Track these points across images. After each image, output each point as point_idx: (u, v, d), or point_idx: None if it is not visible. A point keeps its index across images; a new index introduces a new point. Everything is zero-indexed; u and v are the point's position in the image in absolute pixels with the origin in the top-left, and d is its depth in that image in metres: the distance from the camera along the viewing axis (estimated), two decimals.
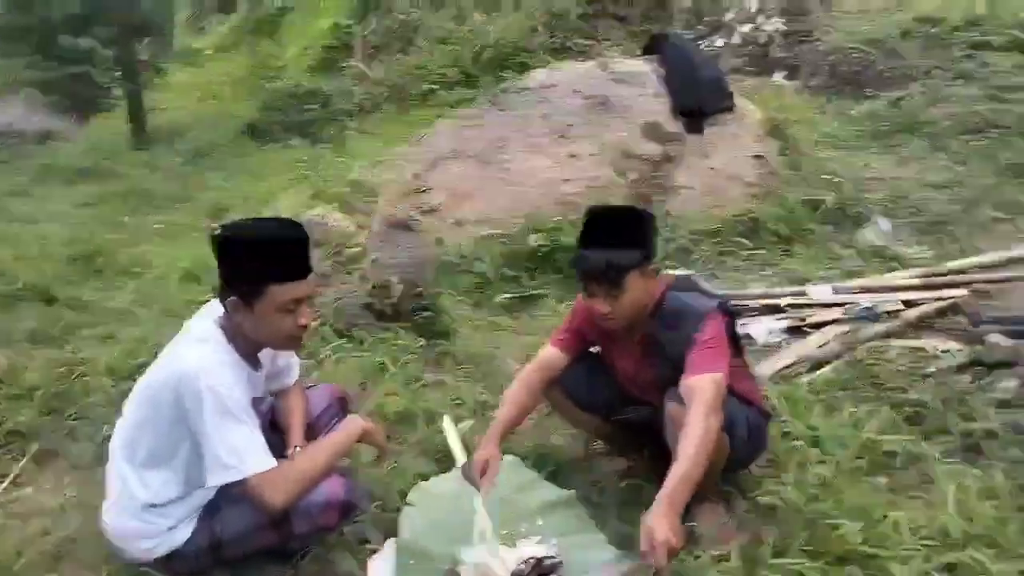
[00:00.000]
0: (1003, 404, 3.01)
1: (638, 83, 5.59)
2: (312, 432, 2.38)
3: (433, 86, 8.70)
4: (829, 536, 2.30)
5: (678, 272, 2.58)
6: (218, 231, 2.06)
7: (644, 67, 5.67)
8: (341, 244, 4.27)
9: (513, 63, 8.54)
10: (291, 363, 2.42)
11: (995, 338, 3.38)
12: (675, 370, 2.21)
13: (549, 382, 2.50)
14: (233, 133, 8.94)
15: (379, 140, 7.17)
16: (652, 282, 2.32)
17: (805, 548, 2.24)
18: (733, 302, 3.88)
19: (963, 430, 2.87)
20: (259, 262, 1.97)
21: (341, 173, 6.06)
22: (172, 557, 2.07)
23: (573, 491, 2.52)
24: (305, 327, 2.07)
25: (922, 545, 2.27)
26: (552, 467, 2.66)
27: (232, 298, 2.01)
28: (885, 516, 2.39)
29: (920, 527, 2.35)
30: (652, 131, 5.34)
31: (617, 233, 2.25)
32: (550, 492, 2.50)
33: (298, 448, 2.24)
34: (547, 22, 9.46)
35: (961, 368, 3.27)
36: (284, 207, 5.08)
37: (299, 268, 2.03)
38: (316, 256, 4.10)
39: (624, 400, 2.49)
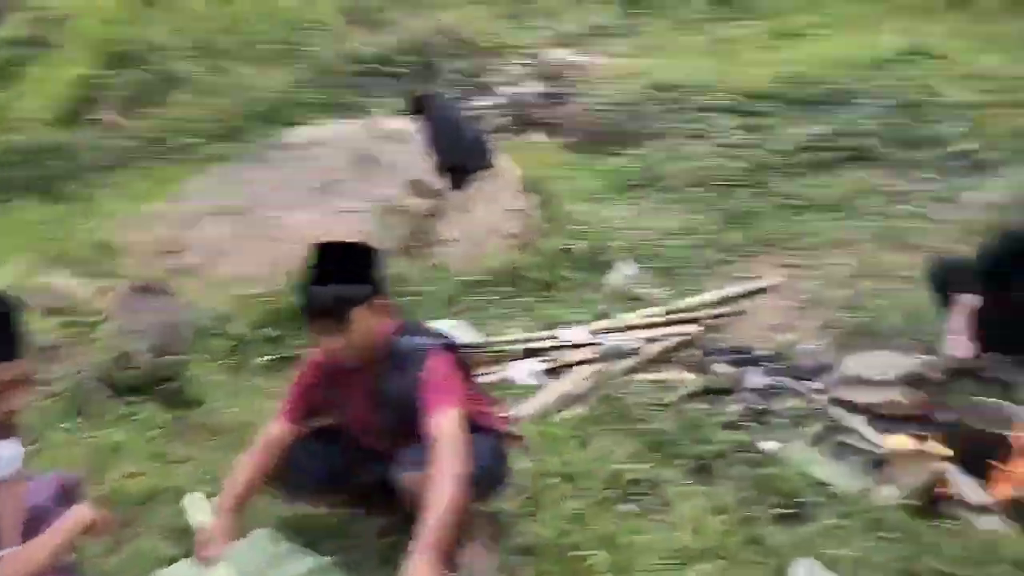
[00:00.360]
0: (729, 426, 3.35)
1: (404, 141, 5.70)
2: (34, 528, 2.15)
3: (194, 139, 8.33)
4: (580, 567, 2.43)
5: (408, 319, 2.59)
6: None
7: (410, 126, 5.80)
8: (81, 312, 3.94)
9: (280, 118, 8.40)
10: (7, 452, 2.18)
11: (720, 367, 3.78)
12: (405, 415, 2.21)
13: (279, 458, 2.41)
14: None
15: (132, 197, 6.72)
16: (382, 319, 2.30)
17: None
18: (495, 347, 4.11)
19: (696, 453, 3.15)
20: None
21: (85, 234, 5.60)
22: None
23: (331, 557, 2.46)
24: (10, 413, 1.88)
25: (663, 565, 2.46)
26: (307, 535, 2.57)
27: None
28: (630, 541, 2.57)
29: (661, 548, 2.55)
30: (417, 187, 5.46)
31: (343, 267, 2.23)
32: (308, 561, 2.40)
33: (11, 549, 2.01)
34: (317, 77, 9.44)
35: (694, 396, 3.59)
36: (11, 275, 4.59)
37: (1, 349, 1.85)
38: (49, 325, 3.79)
39: (361, 455, 2.43)
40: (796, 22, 8.89)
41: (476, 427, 2.31)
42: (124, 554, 2.40)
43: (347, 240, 2.39)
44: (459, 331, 4.42)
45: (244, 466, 2.38)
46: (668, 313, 4.39)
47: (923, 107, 6.26)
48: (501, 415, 2.59)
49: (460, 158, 5.63)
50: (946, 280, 3.58)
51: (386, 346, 2.31)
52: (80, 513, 2.00)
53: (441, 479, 2.02)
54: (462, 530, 2.17)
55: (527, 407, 3.56)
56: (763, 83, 6.95)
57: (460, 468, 2.07)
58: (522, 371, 3.92)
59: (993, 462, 2.80)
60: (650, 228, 5.67)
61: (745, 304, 4.54)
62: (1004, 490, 2.72)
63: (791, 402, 3.48)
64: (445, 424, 2.12)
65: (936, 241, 4.97)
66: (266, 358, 4.05)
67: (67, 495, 2.28)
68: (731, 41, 8.51)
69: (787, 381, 3.63)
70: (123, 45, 9.63)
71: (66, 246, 5.25)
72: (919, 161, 5.91)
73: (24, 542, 2.03)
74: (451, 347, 2.39)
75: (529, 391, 3.76)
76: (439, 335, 2.46)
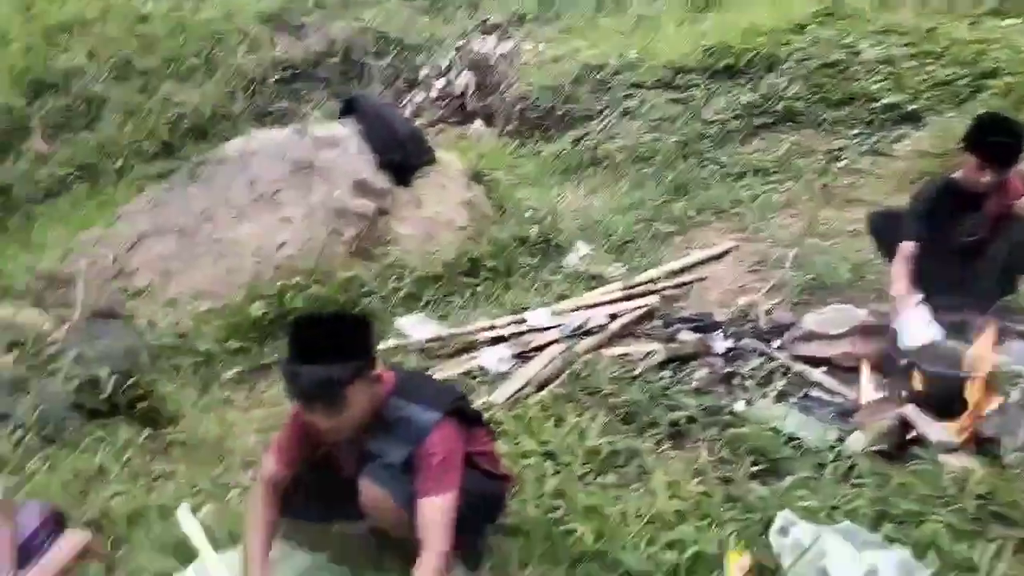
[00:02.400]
0: (698, 391, 3.45)
1: (340, 145, 5.67)
2: (25, 556, 2.14)
3: (126, 162, 8.16)
4: (565, 541, 2.50)
5: (398, 370, 2.50)
6: None
7: (344, 129, 5.77)
8: (37, 344, 3.86)
9: (214, 131, 8.27)
10: None
11: (684, 335, 3.88)
12: (391, 475, 2.18)
13: (281, 492, 2.38)
14: None
15: (71, 225, 6.57)
16: (376, 388, 2.21)
17: (546, 557, 2.41)
18: (462, 337, 4.15)
19: (669, 420, 3.24)
20: None
21: (30, 266, 5.47)
22: None
23: (323, 554, 2.51)
24: None
25: (648, 531, 2.54)
26: (298, 538, 2.59)
27: None
28: (613, 512, 2.65)
29: (643, 515, 2.63)
30: (362, 188, 5.44)
31: (332, 344, 2.09)
32: (302, 559, 2.48)
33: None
34: (245, 87, 9.30)
35: (662, 365, 3.68)
36: None
37: None
38: (8, 360, 3.71)
39: (352, 495, 2.29)
40: None
41: (479, 470, 2.35)
42: (123, 573, 2.38)
43: (331, 312, 2.24)
44: (423, 326, 4.47)
45: (257, 512, 2.31)
46: (626, 288, 4.48)
47: (845, 65, 6.45)
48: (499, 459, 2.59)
49: (400, 155, 5.63)
50: (886, 230, 3.74)
51: (379, 415, 2.23)
52: (74, 539, 2.00)
53: (426, 568, 2.03)
54: None
55: (500, 393, 3.61)
56: (688, 57, 7.07)
57: (443, 554, 2.07)
58: (492, 358, 3.97)
59: (955, 402, 2.90)
60: (598, 207, 5.77)
61: (700, 272, 4.66)
62: (967, 427, 2.83)
63: (755, 362, 3.59)
64: (438, 510, 2.10)
65: (873, 194, 5.17)
66: (234, 371, 4.03)
67: (55, 523, 2.27)
68: (652, 18, 8.61)
69: (749, 343, 3.74)
70: (42, 73, 9.34)
71: (11, 279, 5.12)
72: (848, 119, 6.10)
73: (18, 573, 2.02)
74: (456, 408, 2.30)
75: (500, 377, 3.82)
76: (435, 394, 2.35)
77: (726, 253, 4.87)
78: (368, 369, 2.17)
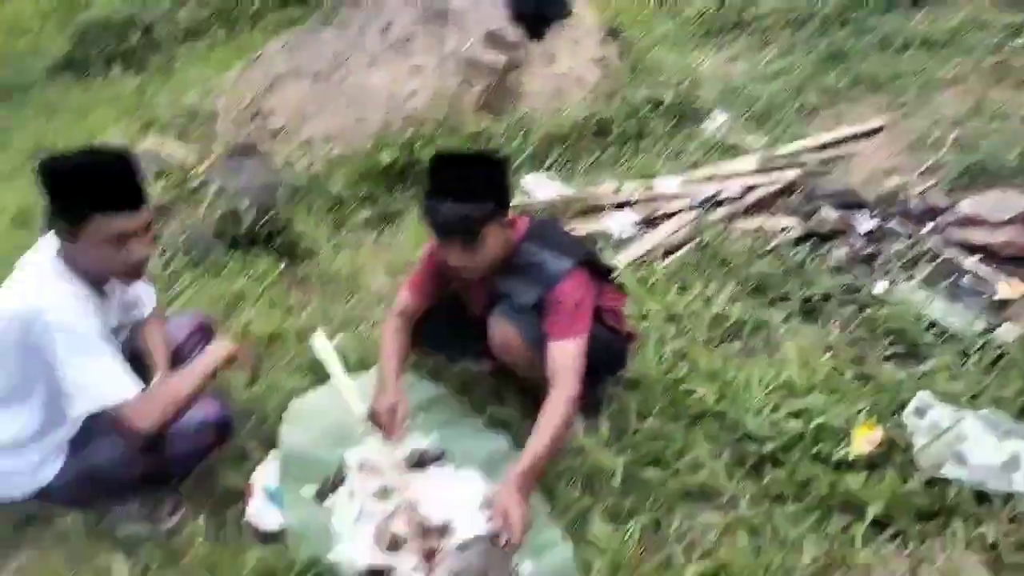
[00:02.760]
0: (836, 270, 3.29)
1: None
2: (177, 361, 2.30)
3: (264, 4, 8.21)
4: (686, 399, 2.48)
5: (532, 217, 2.49)
6: (43, 159, 1.91)
7: None
8: (182, 174, 4.04)
9: None
10: (144, 293, 2.31)
11: (825, 212, 3.67)
12: (519, 317, 2.18)
13: (413, 326, 2.44)
14: (47, 70, 8.14)
15: (209, 66, 6.73)
16: (509, 231, 2.22)
17: (667, 411, 2.40)
18: (589, 199, 4.07)
19: (802, 296, 3.13)
20: (81, 191, 1.85)
21: (174, 102, 5.67)
22: (45, 492, 2.00)
23: (447, 386, 2.59)
24: (142, 261, 1.96)
25: (772, 398, 2.49)
26: (425, 368, 2.70)
27: (59, 228, 1.89)
28: (736, 377, 2.61)
29: (768, 383, 2.57)
30: (495, 40, 5.29)
31: (471, 183, 2.10)
32: (427, 389, 2.57)
33: (162, 376, 2.16)
34: None
35: (798, 241, 3.52)
36: (114, 141, 4.71)
37: (125, 199, 1.89)
38: (156, 188, 3.90)
39: (480, 333, 2.33)
40: None
41: (604, 325, 2.32)
42: (260, 387, 2.54)
43: (471, 151, 2.21)
44: (547, 185, 4.40)
45: (392, 337, 2.38)
46: (765, 160, 4.25)
47: None
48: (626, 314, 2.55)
49: (535, 6, 5.41)
50: None
51: (510, 259, 2.23)
52: (221, 346, 2.11)
53: (554, 409, 2.02)
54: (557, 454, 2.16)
55: (625, 256, 3.55)
56: None
57: (573, 399, 2.05)
58: (617, 223, 3.89)
59: None
60: (740, 74, 5.42)
61: (849, 148, 4.36)
62: None
63: (901, 245, 3.38)
64: (569, 355, 2.09)
65: None
66: (364, 215, 4.11)
67: (204, 333, 2.41)
68: None
69: (897, 224, 3.51)
70: None
71: (158, 114, 5.33)
72: None
73: (172, 371, 2.18)
74: (587, 260, 2.27)
75: (624, 243, 3.75)
76: (568, 244, 2.32)
77: (879, 130, 4.51)
78: (504, 210, 2.17)
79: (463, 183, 2.09)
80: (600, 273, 2.36)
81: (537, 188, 4.36)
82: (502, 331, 2.20)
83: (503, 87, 5.16)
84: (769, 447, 2.28)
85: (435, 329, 2.47)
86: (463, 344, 2.52)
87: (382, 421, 2.20)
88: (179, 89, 6.03)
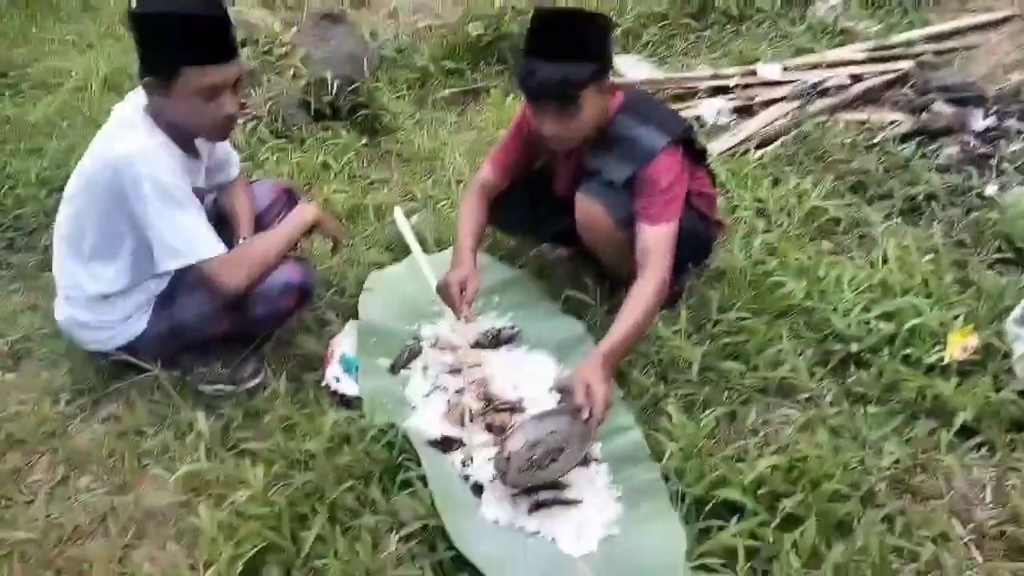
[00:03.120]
0: (944, 169, 3.08)
1: None
2: (261, 225, 2.32)
3: None
4: (772, 294, 2.39)
5: (630, 85, 2.39)
6: (134, 10, 1.89)
7: None
8: (268, 41, 3.99)
9: None
10: (230, 156, 2.32)
11: (939, 107, 3.41)
12: (607, 192, 2.09)
13: (492, 203, 2.35)
14: None
15: None
16: (607, 99, 2.07)
17: (750, 306, 2.32)
18: (682, 83, 3.88)
19: (905, 195, 2.95)
20: (173, 41, 1.81)
21: None
22: (132, 346, 2.06)
23: (523, 270, 2.56)
24: (231, 117, 1.93)
25: (865, 298, 2.37)
26: (502, 252, 2.67)
27: (148, 80, 1.87)
28: (827, 275, 2.49)
29: (861, 283, 2.45)
30: None
31: (572, 42, 1.93)
32: (503, 271, 2.54)
33: (247, 238, 2.19)
34: None
35: (906, 137, 3.30)
36: None
37: (217, 50, 1.85)
38: (242, 55, 3.87)
39: (562, 213, 2.25)
40: None
41: (694, 210, 2.21)
42: (340, 258, 2.56)
43: (573, 8, 2.03)
44: (640, 67, 4.21)
45: (470, 212, 2.30)
46: (878, 48, 3.95)
47: None
48: (715, 203, 2.43)
49: None
50: None
51: (604, 130, 2.10)
52: (307, 210, 2.12)
53: (642, 293, 1.94)
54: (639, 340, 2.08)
55: (718, 145, 3.39)
56: None
57: (662, 285, 1.98)
58: (711, 109, 3.71)
59: None
60: None
61: (970, 39, 4.00)
62: None
63: (1018, 146, 3.13)
64: (661, 239, 2.00)
65: None
66: (449, 91, 4.02)
67: (288, 200, 2.42)
68: None
69: (1016, 123, 3.24)
70: None
71: None
72: None
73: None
74: (683, 138, 2.14)
75: (718, 130, 3.58)
76: (665, 119, 2.16)
77: (1007, 20, 4.12)
78: (605, 74, 2.02)
79: (563, 42, 1.93)
80: (695, 153, 2.24)
81: (628, 70, 4.17)
82: (589, 208, 2.11)
83: None
84: (856, 347, 2.19)
85: (515, 209, 2.39)
86: (543, 226, 2.45)
87: (451, 293, 2.14)
88: None
